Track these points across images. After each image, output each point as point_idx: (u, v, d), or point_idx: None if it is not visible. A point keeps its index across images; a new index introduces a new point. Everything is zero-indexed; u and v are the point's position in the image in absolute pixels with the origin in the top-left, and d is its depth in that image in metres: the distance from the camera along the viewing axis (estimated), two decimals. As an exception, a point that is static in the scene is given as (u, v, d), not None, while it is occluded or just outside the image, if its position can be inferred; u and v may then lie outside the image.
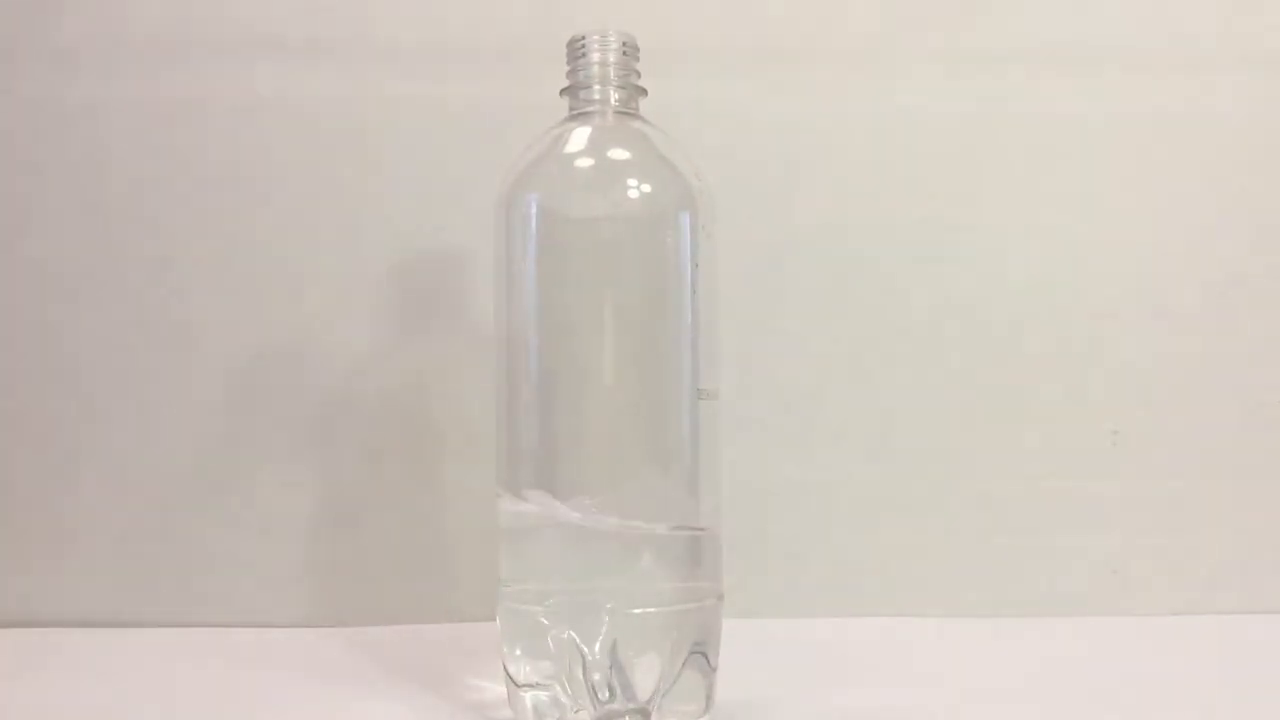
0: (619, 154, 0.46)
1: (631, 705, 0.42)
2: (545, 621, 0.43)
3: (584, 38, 0.46)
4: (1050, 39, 0.64)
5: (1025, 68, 0.64)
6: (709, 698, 0.44)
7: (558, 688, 0.43)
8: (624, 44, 0.46)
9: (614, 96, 0.46)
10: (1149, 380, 0.64)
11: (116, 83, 0.64)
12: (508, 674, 0.45)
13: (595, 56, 0.46)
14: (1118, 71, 0.64)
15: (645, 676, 0.43)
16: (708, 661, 0.44)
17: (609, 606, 0.43)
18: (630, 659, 0.42)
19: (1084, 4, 0.64)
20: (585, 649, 0.43)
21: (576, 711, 0.43)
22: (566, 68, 0.46)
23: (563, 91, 0.47)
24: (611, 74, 0.46)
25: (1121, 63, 0.64)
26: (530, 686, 0.44)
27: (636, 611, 0.43)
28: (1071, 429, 0.63)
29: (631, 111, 0.46)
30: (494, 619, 0.46)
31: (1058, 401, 0.63)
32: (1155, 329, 0.64)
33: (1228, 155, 0.64)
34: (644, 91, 0.47)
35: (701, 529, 0.45)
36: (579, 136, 0.46)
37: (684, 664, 0.43)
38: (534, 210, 0.45)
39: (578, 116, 0.46)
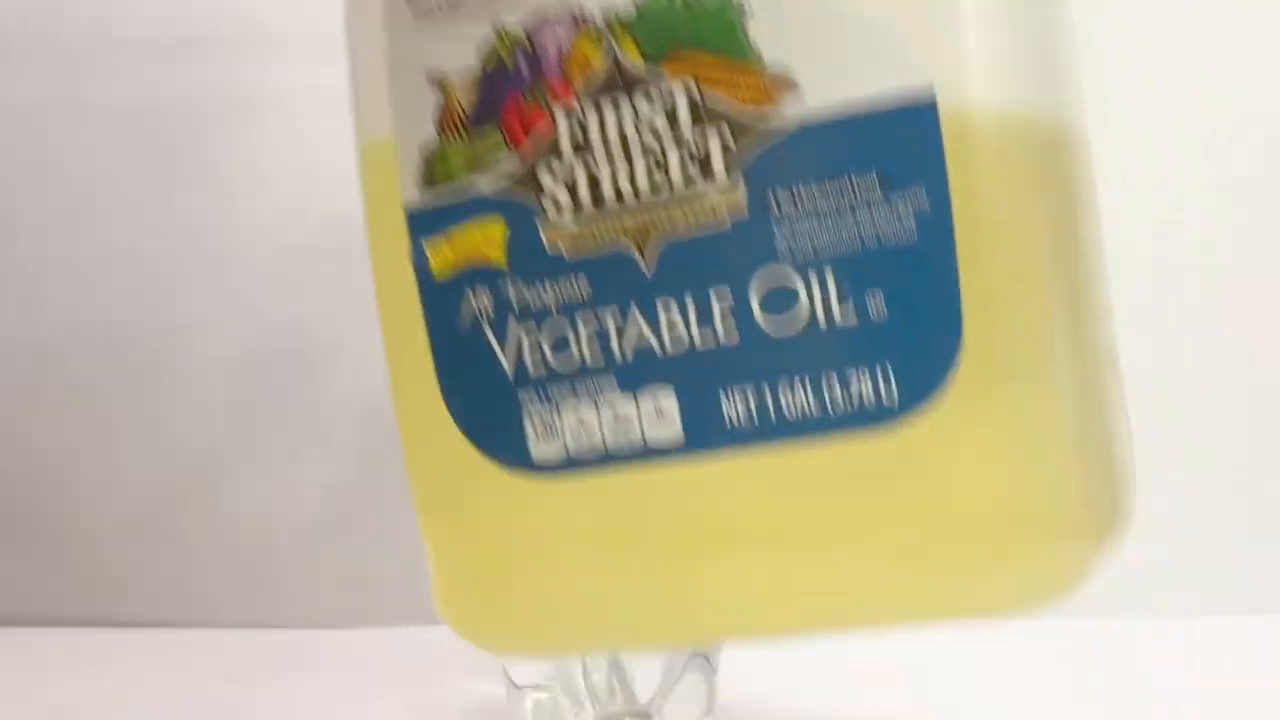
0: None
1: (632, 707, 0.42)
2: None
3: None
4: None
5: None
6: (710, 700, 0.44)
7: (558, 689, 0.43)
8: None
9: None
10: (1150, 380, 0.64)
11: (116, 83, 0.64)
12: (508, 676, 0.45)
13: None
14: (1118, 68, 0.64)
15: (645, 679, 0.42)
16: (709, 663, 0.44)
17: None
18: (630, 661, 0.42)
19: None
20: (585, 650, 0.42)
21: (577, 714, 0.43)
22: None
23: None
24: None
25: (1122, 60, 0.64)
26: (530, 688, 0.44)
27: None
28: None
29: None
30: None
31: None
32: (1156, 329, 0.64)
33: (1230, 152, 0.64)
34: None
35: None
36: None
37: (685, 666, 0.43)
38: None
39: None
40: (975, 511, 0.28)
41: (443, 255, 0.31)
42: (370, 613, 0.62)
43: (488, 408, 0.31)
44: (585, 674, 0.42)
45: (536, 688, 0.44)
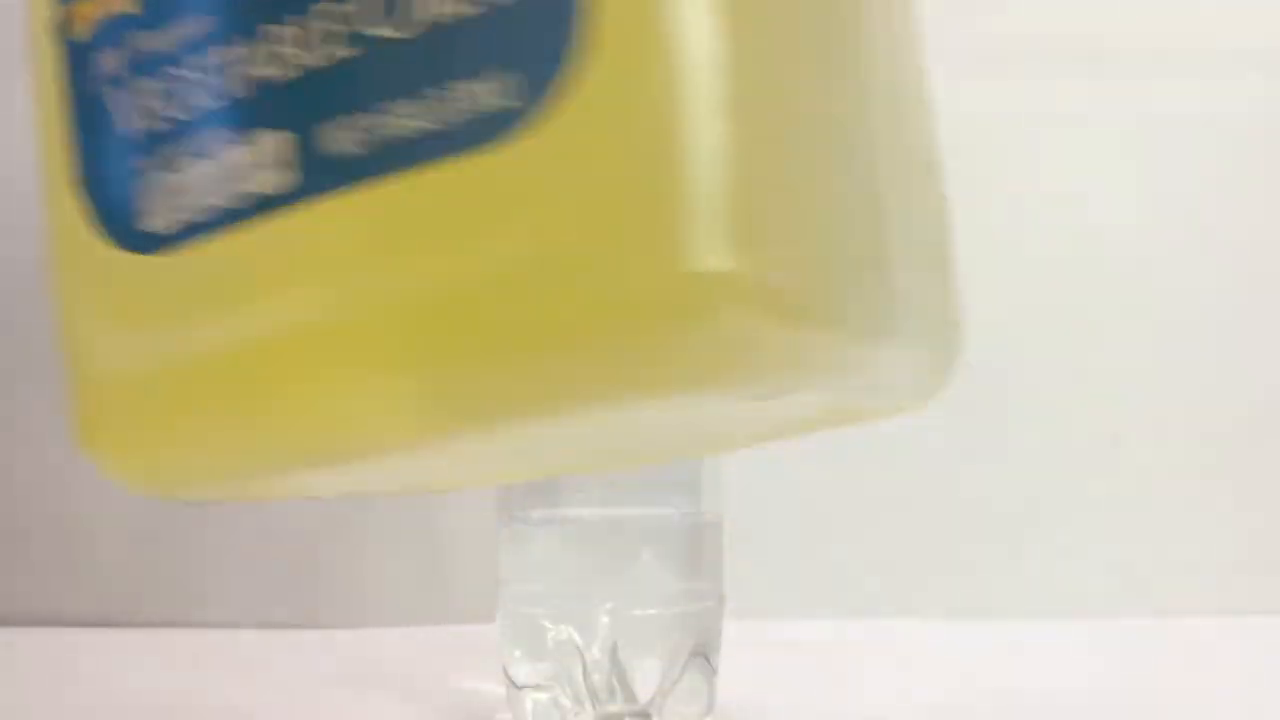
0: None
1: (632, 707, 0.42)
2: (545, 623, 0.43)
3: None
4: (1050, 36, 0.64)
5: (1024, 66, 0.64)
6: (710, 700, 0.44)
7: (558, 689, 0.43)
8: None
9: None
10: (1150, 382, 0.64)
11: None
12: (508, 675, 0.45)
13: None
14: (1120, 69, 0.64)
15: (646, 679, 0.42)
16: (709, 663, 0.44)
17: (609, 607, 0.43)
18: (630, 661, 0.42)
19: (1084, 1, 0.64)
20: (584, 650, 0.42)
21: (577, 714, 0.43)
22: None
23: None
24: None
25: (1123, 61, 0.64)
26: (530, 688, 0.44)
27: (637, 613, 0.43)
28: (1071, 432, 0.63)
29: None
30: (493, 620, 0.46)
31: (1058, 403, 0.63)
32: (1156, 329, 0.64)
33: (1230, 156, 0.64)
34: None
35: (706, 520, 0.45)
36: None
37: (685, 666, 0.43)
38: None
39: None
40: (611, 247, 0.22)
41: (82, 13, 0.28)
42: (370, 613, 0.62)
43: (111, 181, 0.27)
44: (585, 674, 0.42)
45: (536, 688, 0.44)
